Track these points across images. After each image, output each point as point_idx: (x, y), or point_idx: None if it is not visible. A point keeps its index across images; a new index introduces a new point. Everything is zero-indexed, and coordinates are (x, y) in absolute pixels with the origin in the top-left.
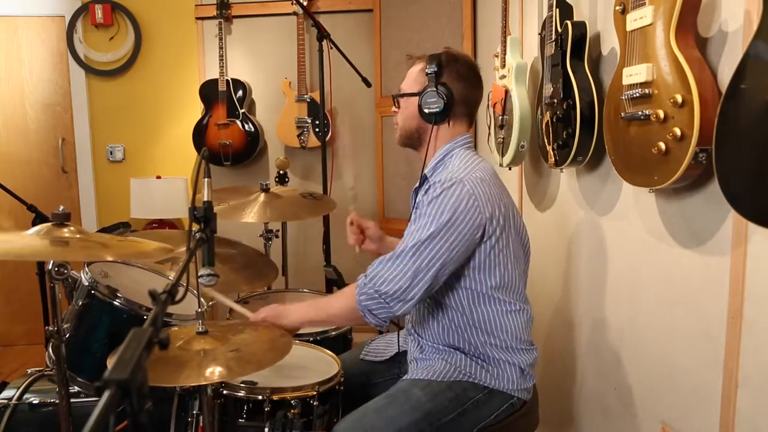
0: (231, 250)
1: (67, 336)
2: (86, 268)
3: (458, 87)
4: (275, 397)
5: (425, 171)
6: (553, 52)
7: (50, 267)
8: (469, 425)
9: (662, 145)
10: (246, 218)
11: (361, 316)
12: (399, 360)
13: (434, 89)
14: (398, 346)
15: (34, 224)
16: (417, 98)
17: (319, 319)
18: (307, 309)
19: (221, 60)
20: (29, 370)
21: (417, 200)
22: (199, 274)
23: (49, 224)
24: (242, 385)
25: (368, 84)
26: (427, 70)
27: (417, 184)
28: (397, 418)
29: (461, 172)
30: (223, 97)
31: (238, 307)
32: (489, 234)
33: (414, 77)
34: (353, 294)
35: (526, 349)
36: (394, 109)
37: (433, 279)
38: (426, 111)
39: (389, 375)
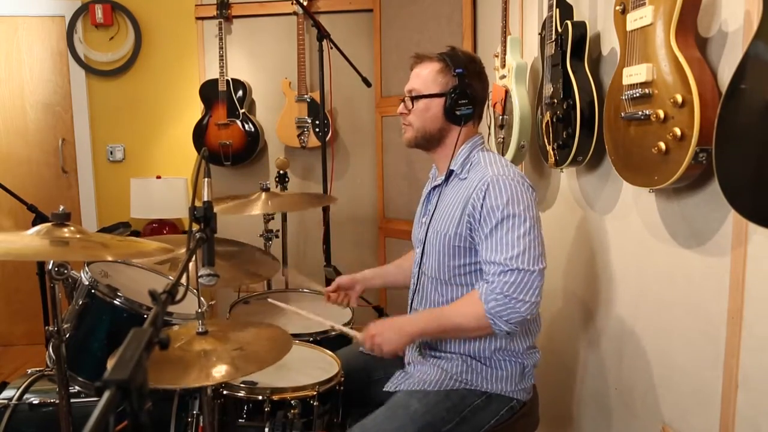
0: (231, 248)
1: (67, 336)
2: (86, 268)
3: (479, 87)
4: (275, 398)
5: (452, 167)
6: (553, 52)
7: (50, 267)
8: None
9: (662, 145)
10: (249, 212)
11: (489, 324)
12: (399, 358)
13: (465, 90)
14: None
15: (34, 224)
16: (441, 100)
17: (438, 331)
18: (423, 320)
19: (221, 60)
20: (29, 370)
21: (448, 195)
22: (199, 273)
23: (49, 224)
24: (242, 385)
25: (368, 84)
26: (455, 71)
27: (438, 182)
28: (396, 431)
29: (507, 168)
30: (223, 97)
31: (343, 329)
32: None
33: (432, 78)
34: (478, 303)
35: (529, 353)
36: (402, 110)
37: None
38: (457, 113)
39: (390, 372)
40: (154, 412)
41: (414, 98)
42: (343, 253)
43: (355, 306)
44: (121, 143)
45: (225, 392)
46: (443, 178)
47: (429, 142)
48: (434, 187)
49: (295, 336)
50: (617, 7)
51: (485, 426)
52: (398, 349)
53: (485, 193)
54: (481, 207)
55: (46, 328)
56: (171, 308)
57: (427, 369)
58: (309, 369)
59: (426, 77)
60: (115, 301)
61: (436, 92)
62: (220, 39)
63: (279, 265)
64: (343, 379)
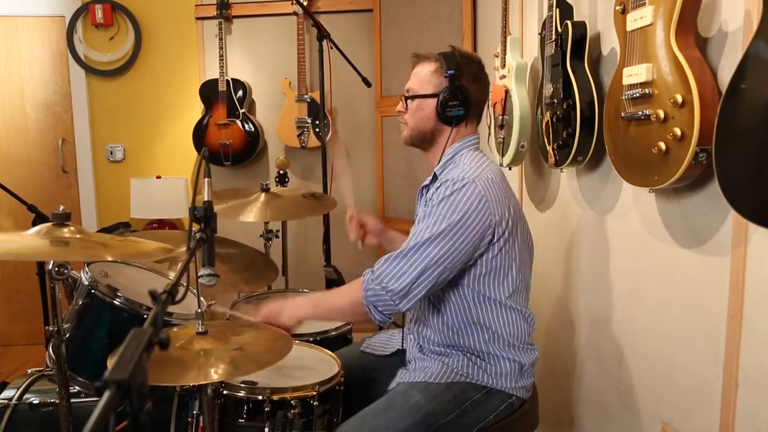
0: (231, 250)
1: (67, 336)
2: (86, 268)
3: (474, 89)
4: (275, 397)
5: (436, 170)
6: (553, 52)
7: (50, 267)
8: (469, 425)
9: (662, 145)
10: (246, 218)
11: (366, 311)
12: (399, 358)
13: (455, 92)
14: (401, 342)
15: (34, 224)
16: (433, 100)
17: (321, 313)
18: (309, 303)
19: (221, 60)
20: (29, 370)
21: (426, 197)
22: (199, 274)
23: (49, 224)
24: (242, 385)
25: (368, 84)
26: (446, 72)
27: (426, 182)
28: (396, 421)
29: (473, 172)
30: (223, 97)
31: (237, 313)
32: (497, 237)
33: (427, 78)
34: (359, 289)
35: (527, 349)
36: (399, 109)
37: (439, 277)
38: (448, 114)
39: (390, 373)
40: (154, 412)
41: (408, 98)
42: (343, 253)
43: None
44: (121, 143)
45: (225, 392)
46: (430, 179)
47: (423, 141)
48: (422, 188)
49: (295, 336)
50: (617, 7)
51: (484, 421)
52: (289, 327)
53: (436, 191)
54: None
55: (46, 328)
56: (171, 308)
57: (429, 363)
58: (309, 369)
59: (422, 77)
60: (115, 301)
61: (429, 93)
62: (220, 39)
63: (278, 269)
64: (343, 379)
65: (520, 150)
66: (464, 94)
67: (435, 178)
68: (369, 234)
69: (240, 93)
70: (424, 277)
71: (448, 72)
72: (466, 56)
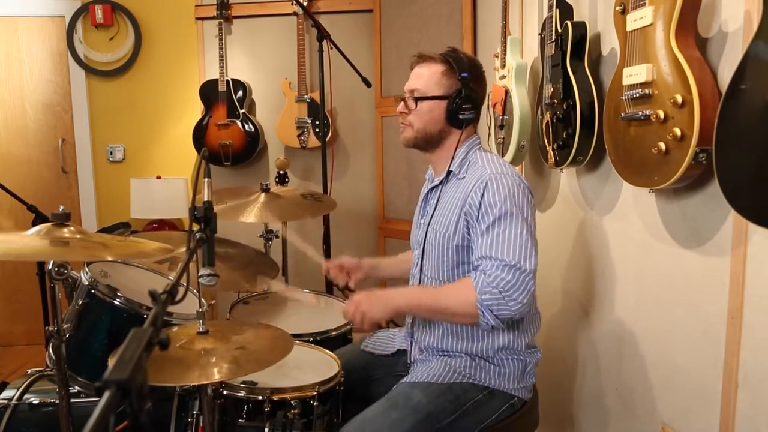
0: (231, 250)
1: (67, 336)
2: (86, 268)
3: (479, 90)
4: (275, 398)
5: (451, 168)
6: (553, 52)
7: (50, 267)
8: (470, 426)
9: (662, 146)
10: (246, 218)
11: (478, 314)
12: (400, 358)
13: (469, 95)
14: (404, 343)
15: (34, 224)
16: (443, 102)
17: (428, 309)
18: (417, 295)
19: (221, 60)
20: (29, 370)
21: (441, 192)
22: (199, 274)
23: (49, 224)
24: (242, 385)
25: (368, 84)
26: (460, 75)
27: (435, 182)
28: (398, 421)
29: (504, 167)
30: (223, 97)
31: (330, 297)
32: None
33: (436, 79)
34: (471, 289)
35: (531, 351)
36: (402, 109)
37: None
38: (461, 117)
39: (390, 372)
40: (154, 412)
41: (417, 99)
42: (342, 254)
43: (353, 287)
44: (121, 143)
45: (225, 392)
46: (441, 178)
47: (428, 143)
48: (432, 188)
49: (296, 336)
50: (617, 8)
51: (486, 421)
52: (381, 319)
53: (483, 190)
54: (479, 204)
55: (46, 328)
56: (171, 308)
57: (432, 363)
58: (309, 369)
59: (429, 78)
60: (115, 301)
61: (439, 94)
62: (220, 39)
63: (278, 268)
64: (343, 379)
65: (520, 150)
66: (474, 96)
67: (449, 175)
68: (352, 273)
69: (240, 93)
70: (534, 281)
71: (462, 75)
72: (471, 59)
